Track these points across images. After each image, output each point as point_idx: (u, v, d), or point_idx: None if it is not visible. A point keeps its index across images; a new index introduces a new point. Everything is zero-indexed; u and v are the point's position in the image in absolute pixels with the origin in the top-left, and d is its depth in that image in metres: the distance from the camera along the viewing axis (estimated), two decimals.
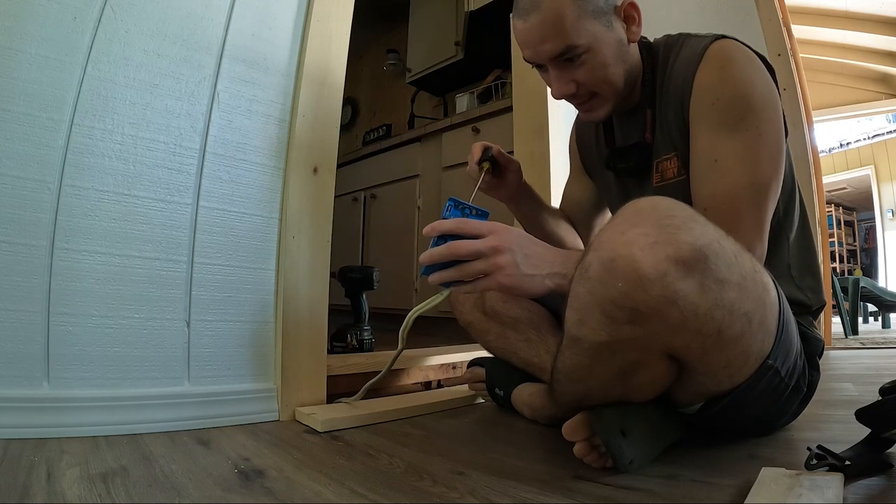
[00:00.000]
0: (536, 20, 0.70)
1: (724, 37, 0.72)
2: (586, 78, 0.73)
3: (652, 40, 0.81)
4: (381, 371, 0.90)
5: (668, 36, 0.80)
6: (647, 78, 0.78)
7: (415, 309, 0.76)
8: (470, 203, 0.69)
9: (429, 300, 0.73)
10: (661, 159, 0.78)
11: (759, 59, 0.71)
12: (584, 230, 1.03)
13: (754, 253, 0.66)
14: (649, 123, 0.78)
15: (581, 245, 1.03)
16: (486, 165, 0.86)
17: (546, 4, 0.69)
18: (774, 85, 0.71)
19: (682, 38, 0.78)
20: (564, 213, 1.05)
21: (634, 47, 0.77)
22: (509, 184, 0.91)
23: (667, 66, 0.77)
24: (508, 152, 0.92)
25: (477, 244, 0.62)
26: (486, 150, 0.87)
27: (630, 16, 0.74)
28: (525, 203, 0.96)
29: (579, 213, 1.03)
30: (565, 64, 0.72)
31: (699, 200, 0.69)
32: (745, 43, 0.72)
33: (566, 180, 1.07)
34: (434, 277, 0.65)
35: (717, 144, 0.68)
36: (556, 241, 0.98)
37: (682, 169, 0.75)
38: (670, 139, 0.76)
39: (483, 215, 0.69)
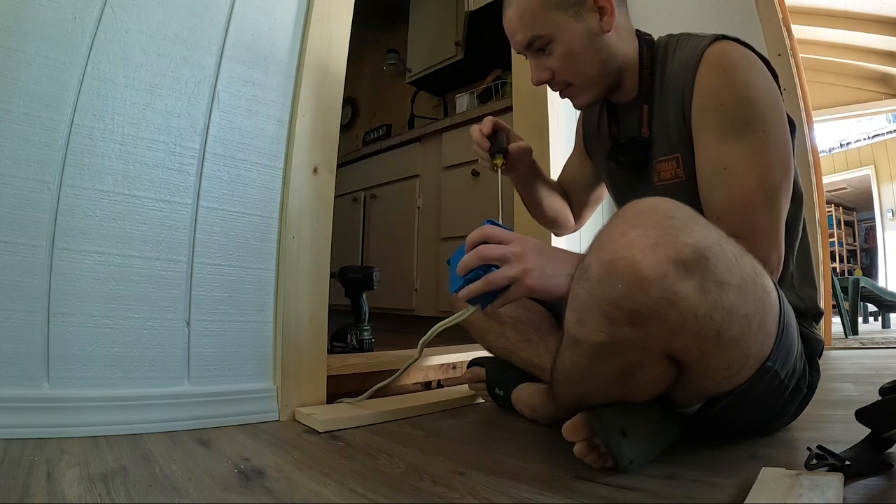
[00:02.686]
0: (510, 13, 0.77)
1: (724, 37, 0.71)
2: (557, 66, 0.77)
3: (656, 38, 0.82)
4: (381, 371, 0.91)
5: (671, 35, 0.80)
6: (645, 73, 0.78)
7: (441, 323, 0.76)
8: (502, 224, 0.70)
9: (457, 315, 0.72)
10: (660, 160, 0.78)
11: (759, 60, 0.70)
12: (576, 204, 1.07)
13: (771, 257, 0.67)
14: (646, 118, 0.78)
15: (570, 218, 1.08)
16: (499, 161, 0.85)
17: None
18: (776, 85, 0.71)
19: (683, 37, 0.78)
20: (561, 184, 1.08)
21: (616, 37, 0.77)
22: (519, 170, 0.93)
23: (666, 64, 0.77)
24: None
25: (503, 248, 0.64)
26: (496, 137, 0.86)
27: (602, 7, 0.75)
28: (530, 180, 0.97)
29: (576, 188, 1.06)
30: (538, 53, 0.77)
31: (711, 209, 0.69)
32: (746, 43, 0.71)
33: (569, 154, 1.10)
34: (463, 292, 0.66)
35: (724, 151, 0.68)
36: (551, 216, 1.03)
37: (679, 171, 0.75)
38: (670, 141, 0.76)
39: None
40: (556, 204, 1.03)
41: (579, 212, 1.08)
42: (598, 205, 1.09)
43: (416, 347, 0.86)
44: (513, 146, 0.87)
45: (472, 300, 0.67)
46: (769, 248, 0.67)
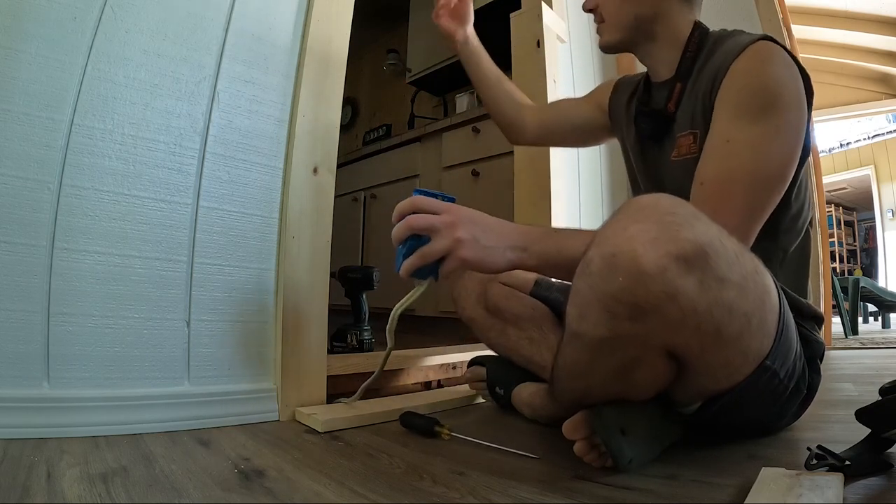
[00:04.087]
0: None
1: (772, 39, 0.73)
2: (602, 1, 0.84)
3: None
4: (384, 370, 0.90)
5: (724, 29, 0.82)
6: (688, 54, 0.80)
7: (397, 305, 0.75)
8: (435, 192, 0.68)
9: (410, 294, 0.72)
10: (682, 135, 0.79)
11: (798, 70, 0.71)
12: (542, 126, 1.08)
13: (741, 240, 0.66)
14: (675, 95, 0.80)
15: (524, 121, 1.08)
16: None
17: None
18: (805, 97, 0.71)
19: (736, 32, 0.79)
20: (541, 111, 1.10)
21: (659, 4, 0.81)
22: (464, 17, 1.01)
23: (713, 52, 0.78)
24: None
25: (431, 218, 0.63)
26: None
27: None
28: (475, 61, 1.03)
29: (555, 117, 1.08)
30: None
31: (699, 176, 0.70)
32: (792, 54, 0.72)
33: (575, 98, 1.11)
34: (402, 269, 0.65)
35: (734, 128, 0.69)
36: (503, 104, 1.07)
37: (694, 147, 0.76)
38: (692, 117, 0.77)
39: (450, 200, 0.68)
40: (510, 98, 1.07)
41: (540, 133, 1.08)
42: (559, 142, 1.13)
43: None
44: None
45: (416, 275, 0.66)
46: (738, 230, 0.64)
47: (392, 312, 0.76)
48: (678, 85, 0.80)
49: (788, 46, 2.05)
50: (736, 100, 0.70)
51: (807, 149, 0.73)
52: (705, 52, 0.79)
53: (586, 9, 0.88)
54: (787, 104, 0.68)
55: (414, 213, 0.65)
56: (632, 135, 0.90)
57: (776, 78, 0.68)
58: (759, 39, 0.72)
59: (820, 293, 2.21)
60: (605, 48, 0.88)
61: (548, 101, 1.55)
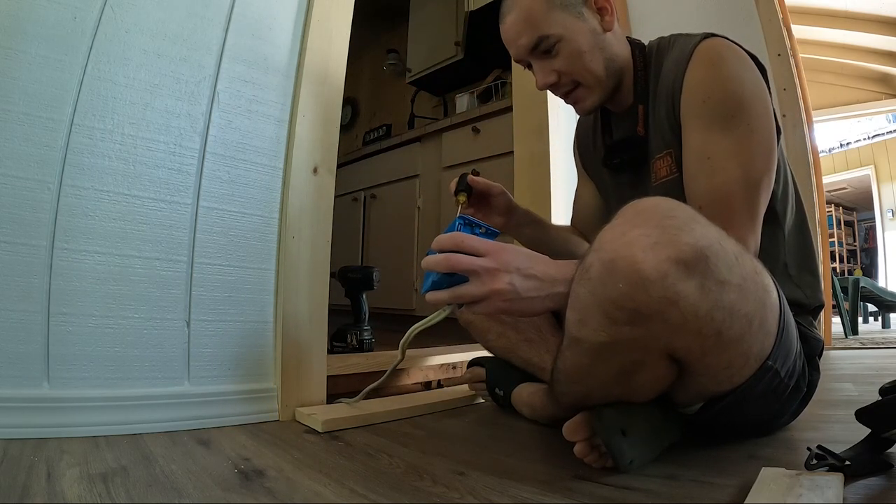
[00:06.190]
0: (511, 18, 0.76)
1: (713, 35, 0.73)
2: (565, 67, 0.76)
3: (646, 43, 0.82)
4: (381, 371, 0.91)
5: (661, 38, 0.82)
6: (639, 76, 0.79)
7: (416, 325, 0.75)
8: (480, 221, 0.67)
9: (430, 317, 0.72)
10: (656, 158, 0.78)
11: (747, 56, 0.71)
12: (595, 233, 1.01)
13: (747, 246, 0.67)
14: (641, 118, 0.79)
15: None
16: (461, 198, 0.80)
17: (519, 3, 0.75)
18: (764, 82, 0.72)
19: (674, 38, 0.79)
20: (576, 221, 1.04)
21: (614, 38, 0.78)
22: (498, 209, 0.88)
23: (660, 65, 0.78)
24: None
25: (474, 261, 0.60)
26: (461, 179, 0.83)
27: (602, 7, 0.76)
28: (526, 227, 0.93)
29: (589, 216, 1.02)
30: (544, 56, 0.76)
31: (693, 198, 0.70)
32: (735, 41, 0.72)
33: (576, 185, 1.06)
34: (430, 296, 0.64)
35: (709, 142, 0.69)
36: (567, 258, 0.98)
37: (673, 166, 0.76)
38: (662, 137, 0.77)
39: (492, 235, 0.67)
40: (571, 246, 0.98)
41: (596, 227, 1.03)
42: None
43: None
44: (477, 180, 0.84)
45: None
46: (745, 238, 0.67)
47: (409, 330, 0.76)
48: (640, 107, 0.79)
49: (788, 46, 2.05)
50: (702, 113, 0.69)
51: (778, 128, 0.73)
52: (653, 67, 0.78)
53: (548, 84, 0.77)
54: (751, 99, 0.68)
55: (456, 250, 0.61)
56: (607, 174, 0.88)
57: (733, 78, 0.68)
58: (702, 40, 0.71)
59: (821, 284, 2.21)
60: (589, 110, 0.81)
61: (547, 101, 1.56)
